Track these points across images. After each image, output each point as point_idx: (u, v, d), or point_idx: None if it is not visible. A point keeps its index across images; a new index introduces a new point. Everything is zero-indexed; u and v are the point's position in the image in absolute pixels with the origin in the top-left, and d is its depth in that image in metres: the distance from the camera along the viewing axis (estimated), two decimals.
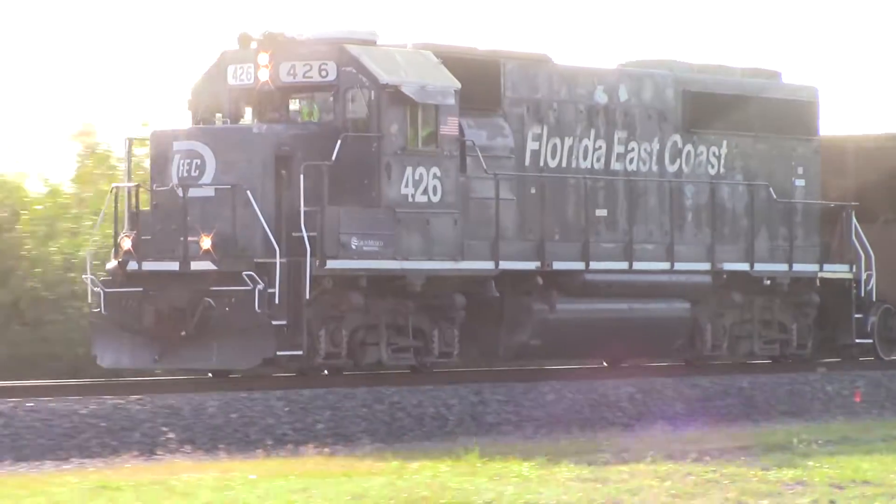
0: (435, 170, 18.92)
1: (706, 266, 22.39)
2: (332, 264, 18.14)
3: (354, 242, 18.42)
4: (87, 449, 16.06)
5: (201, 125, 18.71)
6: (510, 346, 20.18)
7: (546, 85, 20.68)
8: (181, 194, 17.75)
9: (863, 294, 24.18)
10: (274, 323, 17.71)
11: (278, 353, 17.95)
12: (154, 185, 18.69)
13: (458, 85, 19.04)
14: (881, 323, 24.95)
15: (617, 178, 21.56)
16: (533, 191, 20.38)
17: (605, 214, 21.39)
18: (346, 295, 18.44)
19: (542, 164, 20.53)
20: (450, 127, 18.94)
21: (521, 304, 20.05)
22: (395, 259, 18.70)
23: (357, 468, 14.34)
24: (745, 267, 22.93)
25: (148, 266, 18.20)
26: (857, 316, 24.19)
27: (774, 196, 23.49)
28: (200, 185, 18.16)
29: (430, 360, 19.53)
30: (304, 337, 18.07)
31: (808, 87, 25.06)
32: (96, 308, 18.76)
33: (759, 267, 23.08)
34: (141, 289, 18.32)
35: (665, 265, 21.82)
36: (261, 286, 17.58)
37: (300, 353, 18.18)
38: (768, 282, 23.22)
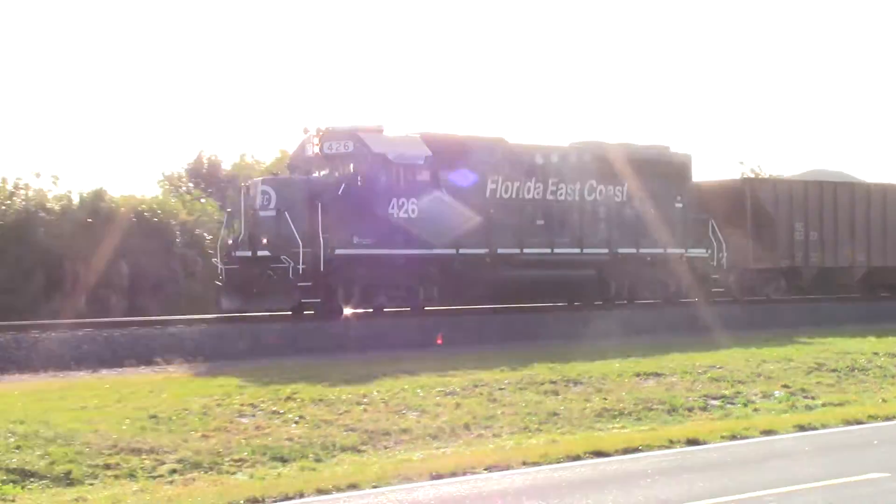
0: (413, 199, 33.19)
1: (605, 251, 38.08)
2: (339, 251, 31.48)
3: (356, 240, 31.94)
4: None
5: (271, 175, 34.49)
6: (474, 295, 35.47)
7: (500, 153, 36.00)
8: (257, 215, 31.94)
9: (715, 264, 40.01)
10: (299, 284, 30.59)
11: (302, 300, 31.47)
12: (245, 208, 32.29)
13: (428, 153, 33.51)
14: (738, 278, 40.99)
15: (550, 204, 37.31)
16: (492, 210, 35.94)
17: (543, 223, 37.01)
18: (353, 267, 32.21)
19: (498, 196, 36.02)
20: (423, 175, 33.50)
21: (478, 272, 35.25)
22: (382, 248, 32.37)
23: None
24: (633, 250, 38.71)
25: (238, 253, 31.75)
26: (714, 276, 40.11)
27: (653, 212, 39.15)
28: (267, 209, 31.71)
29: (416, 304, 33.98)
30: (321, 291, 31.28)
31: (685, 154, 41.12)
32: (219, 275, 32.07)
33: (643, 250, 38.88)
34: (237, 266, 31.53)
35: (577, 250, 37.34)
36: (293, 264, 30.47)
37: (318, 300, 31.36)
38: (649, 258, 39.06)
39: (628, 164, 38.91)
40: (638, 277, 39.23)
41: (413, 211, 33.47)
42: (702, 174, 44.53)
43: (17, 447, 16.33)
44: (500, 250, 35.41)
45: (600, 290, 38.41)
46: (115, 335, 27.89)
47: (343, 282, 32.41)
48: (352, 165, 33.18)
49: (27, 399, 20.04)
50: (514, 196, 36.35)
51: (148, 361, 26.75)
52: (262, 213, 32.11)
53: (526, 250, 36.01)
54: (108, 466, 16.16)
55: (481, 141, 35.92)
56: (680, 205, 40.40)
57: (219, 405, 20.03)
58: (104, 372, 25.29)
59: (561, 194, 37.48)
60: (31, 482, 15.33)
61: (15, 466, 15.62)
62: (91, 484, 15.55)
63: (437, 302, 34.65)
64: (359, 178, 32.84)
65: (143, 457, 16.62)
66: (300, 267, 30.83)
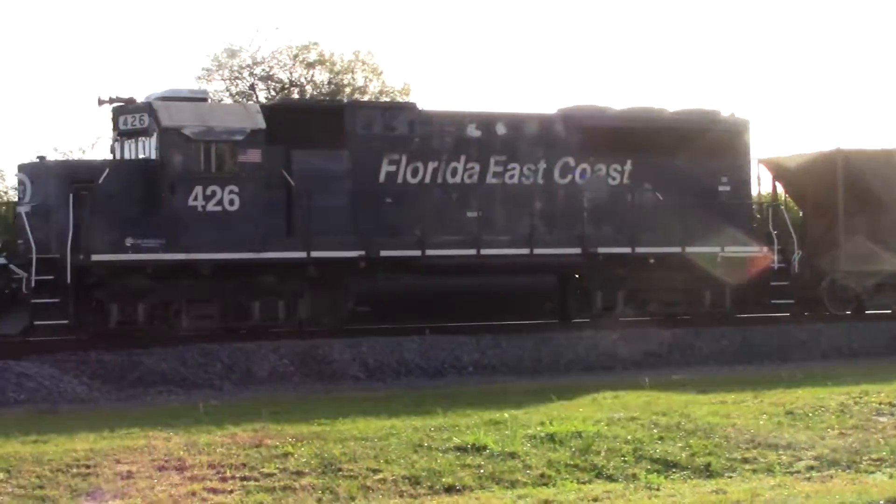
0: (232, 187, 24.49)
1: (577, 250, 27.61)
2: (98, 258, 23.34)
3: (130, 241, 23.63)
4: None
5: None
6: (338, 312, 25.98)
7: (407, 125, 26.60)
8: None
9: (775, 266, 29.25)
10: (33, 301, 22.91)
11: (36, 322, 23.00)
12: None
13: (258, 126, 24.67)
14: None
15: (493, 189, 27.40)
16: (389, 200, 26.58)
17: (478, 215, 27.20)
18: (132, 278, 23.92)
19: (401, 181, 26.61)
20: (250, 155, 24.73)
21: (342, 282, 25.79)
22: (175, 253, 23.83)
23: None
24: (626, 249, 28.01)
25: None
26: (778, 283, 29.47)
27: (675, 197, 28.32)
28: (23, 203, 24.14)
29: (247, 324, 24.94)
30: (70, 309, 23.26)
31: (738, 120, 29.94)
32: None
33: (642, 249, 28.10)
34: None
35: (524, 250, 27.05)
36: (25, 275, 22.95)
37: (65, 322, 23.17)
38: (653, 260, 28.24)
39: (642, 134, 28.53)
40: (643, 285, 28.66)
41: (231, 202, 24.85)
42: (788, 148, 32.34)
43: (660, 438, 16.55)
44: (384, 252, 25.99)
45: (579, 301, 28.21)
46: None
47: (117, 298, 24.23)
48: (144, 144, 24.99)
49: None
50: (428, 180, 26.90)
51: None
52: (19, 209, 24.73)
53: (431, 252, 26.32)
54: (745, 460, 16.07)
55: (368, 108, 26.74)
56: (726, 187, 29.22)
57: (856, 403, 19.17)
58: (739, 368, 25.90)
59: (511, 176, 27.52)
60: (673, 472, 15.46)
61: (658, 457, 15.87)
62: (730, 476, 15.46)
63: (292, 322, 25.87)
64: (148, 160, 24.72)
65: (780, 452, 16.41)
66: (33, 279, 23.18)
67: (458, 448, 15.46)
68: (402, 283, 26.09)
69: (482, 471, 14.81)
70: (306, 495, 13.71)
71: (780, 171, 31.60)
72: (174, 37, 62.68)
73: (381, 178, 26.46)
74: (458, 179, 27.12)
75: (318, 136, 25.77)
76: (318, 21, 64.02)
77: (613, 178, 28.37)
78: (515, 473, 14.90)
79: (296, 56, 43.39)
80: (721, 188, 29.20)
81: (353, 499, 13.79)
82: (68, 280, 23.34)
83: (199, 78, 42.77)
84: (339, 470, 14.48)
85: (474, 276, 26.61)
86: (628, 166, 28.45)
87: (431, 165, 26.87)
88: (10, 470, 13.85)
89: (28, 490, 13.41)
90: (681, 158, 28.79)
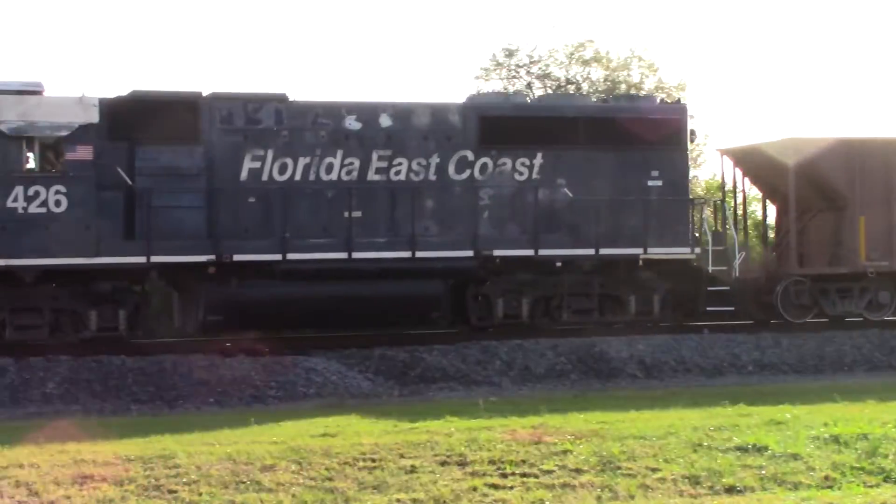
0: (58, 187, 22.45)
1: (469, 253, 24.84)
2: None
3: None
4: None
5: None
6: (191, 321, 23.88)
7: (274, 117, 24.19)
8: None
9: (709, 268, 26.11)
10: None
11: None
12: None
13: (90, 121, 22.58)
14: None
15: (376, 187, 24.76)
16: (252, 199, 24.17)
17: (359, 216, 24.62)
18: None
19: (266, 179, 24.19)
20: (79, 153, 22.69)
21: (191, 290, 23.72)
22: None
23: None
24: (529, 252, 25.12)
25: None
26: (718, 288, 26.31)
27: (593, 195, 25.47)
28: None
29: (82, 336, 22.88)
30: None
31: (675, 107, 26.70)
32: None
33: (547, 251, 25.19)
34: None
35: (406, 253, 24.42)
36: None
37: None
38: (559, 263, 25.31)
39: (555, 124, 25.60)
40: (553, 291, 25.81)
41: (58, 203, 22.79)
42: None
43: None
44: (238, 256, 23.67)
45: (480, 309, 25.59)
46: None
47: None
48: None
49: None
50: (298, 178, 24.45)
51: None
52: None
53: (293, 255, 23.88)
54: None
55: (228, 100, 24.29)
56: (657, 182, 26.04)
57: None
58: None
59: (397, 172, 24.85)
60: None
61: None
62: None
63: (133, 333, 23.70)
64: None
65: None
66: None
67: (739, 448, 15.16)
68: (257, 291, 23.74)
69: (764, 472, 14.50)
70: (586, 493, 13.76)
71: (743, 162, 28.15)
72: (453, 37, 60.76)
73: (243, 175, 24.13)
74: (333, 176, 24.57)
75: (170, 130, 23.58)
76: (593, 18, 61.89)
77: (520, 174, 25.49)
78: (798, 475, 14.53)
79: (571, 54, 41.63)
80: (651, 183, 26.08)
81: (632, 497, 13.72)
82: None
83: (478, 77, 41.25)
84: (618, 468, 14.42)
85: (346, 283, 24.06)
86: (538, 160, 25.55)
87: (303, 161, 24.42)
88: (302, 462, 14.25)
89: (318, 482, 13.75)
90: (603, 150, 25.81)
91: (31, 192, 22.59)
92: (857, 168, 26.76)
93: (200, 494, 13.15)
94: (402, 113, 25.01)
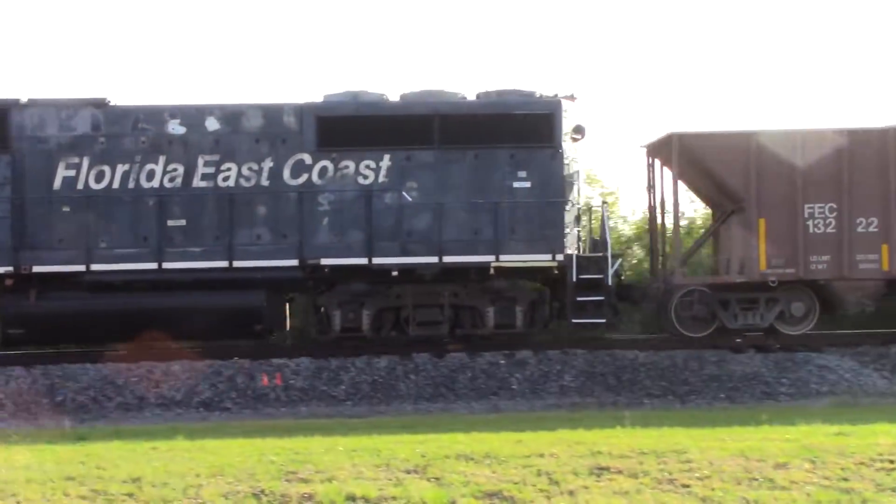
0: None
1: (294, 262, 23.06)
2: None
3: None
4: None
5: None
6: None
7: (90, 122, 23.03)
8: None
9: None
10: None
11: None
12: None
13: None
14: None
15: (202, 194, 23.19)
16: (66, 209, 23.00)
17: (184, 224, 23.18)
18: None
19: (82, 187, 23.00)
20: None
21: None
22: None
23: None
24: (362, 260, 23.17)
25: None
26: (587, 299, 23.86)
27: (410, 199, 23.34)
28: None
29: None
30: None
31: (547, 100, 23.91)
32: None
33: (382, 260, 23.18)
34: None
35: (223, 263, 22.87)
36: None
37: None
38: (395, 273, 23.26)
39: (405, 124, 23.61)
40: (399, 302, 23.84)
41: None
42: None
43: None
44: (37, 268, 22.75)
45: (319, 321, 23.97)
46: None
47: None
48: None
49: None
50: (116, 186, 23.24)
51: None
52: None
53: (98, 266, 22.73)
54: None
55: (41, 106, 23.32)
56: (524, 183, 23.54)
57: None
58: None
59: (226, 178, 23.31)
60: None
61: None
62: None
63: None
64: None
65: None
66: None
67: None
68: (58, 303, 22.60)
69: None
70: None
71: (660, 157, 25.13)
72: None
73: (57, 184, 23.03)
74: (154, 184, 23.16)
75: None
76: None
77: (365, 177, 23.45)
78: None
79: None
80: (517, 184, 23.54)
81: None
82: None
83: None
84: None
85: (157, 294, 22.65)
86: (385, 162, 23.46)
87: (121, 169, 23.15)
88: (815, 461, 13.94)
89: (833, 481, 13.38)
90: (460, 150, 23.49)
91: None
92: (754, 164, 23.45)
93: (713, 490, 12.96)
94: (231, 115, 23.41)
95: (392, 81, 49.26)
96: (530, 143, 23.53)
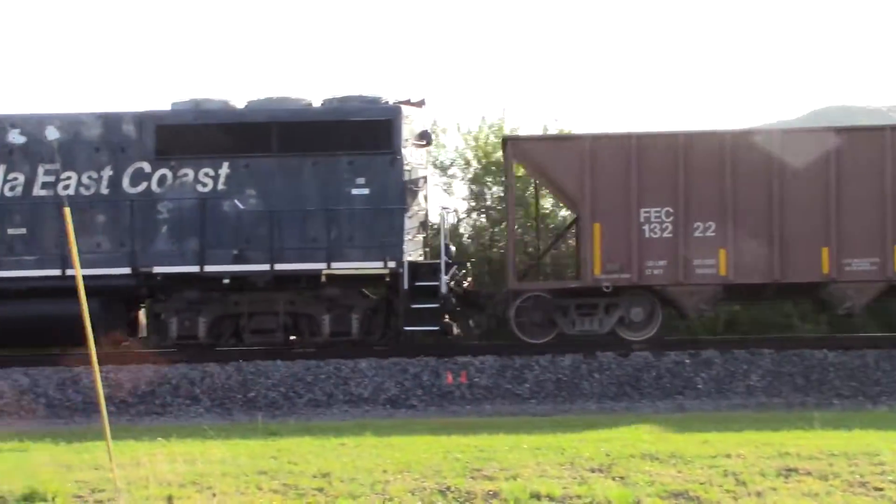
0: None
1: (126, 270, 23.29)
2: None
3: None
4: None
5: None
6: None
7: None
8: None
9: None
10: None
11: None
12: None
13: None
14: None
15: (43, 203, 23.48)
16: None
17: (24, 232, 23.49)
18: None
19: None
20: None
21: None
22: None
23: None
24: (194, 268, 23.34)
25: None
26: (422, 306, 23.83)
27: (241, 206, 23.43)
28: None
29: None
30: None
31: (385, 107, 23.84)
32: None
33: (214, 268, 23.31)
34: None
35: (55, 271, 23.15)
36: None
37: None
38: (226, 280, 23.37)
39: (242, 132, 23.68)
40: (235, 310, 23.88)
41: None
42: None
43: None
44: None
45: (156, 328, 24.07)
46: None
47: None
48: None
49: None
50: None
51: None
52: None
53: None
54: None
55: None
56: (363, 190, 23.51)
57: None
58: None
59: (66, 187, 23.57)
60: None
61: None
62: None
63: None
64: None
65: None
66: None
67: None
68: None
69: None
70: None
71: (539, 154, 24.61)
72: None
73: None
74: None
75: None
76: None
77: (204, 185, 23.58)
78: None
79: None
80: (356, 191, 23.52)
81: None
82: None
83: None
84: None
85: None
86: (224, 170, 23.57)
87: None
88: None
89: None
90: (299, 157, 23.53)
91: None
92: (588, 168, 23.20)
93: None
94: (71, 125, 23.67)
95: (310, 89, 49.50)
96: (369, 149, 23.49)
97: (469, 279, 24.88)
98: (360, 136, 23.51)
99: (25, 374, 22.63)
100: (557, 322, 23.45)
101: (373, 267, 23.22)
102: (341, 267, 23.19)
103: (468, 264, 25.17)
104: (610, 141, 23.28)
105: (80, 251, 21.82)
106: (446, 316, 23.46)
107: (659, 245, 23.09)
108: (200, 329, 23.56)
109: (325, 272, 23.22)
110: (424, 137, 24.27)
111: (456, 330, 24.01)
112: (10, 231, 23.40)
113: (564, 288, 23.62)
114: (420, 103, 24.45)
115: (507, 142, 23.72)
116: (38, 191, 23.53)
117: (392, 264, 23.13)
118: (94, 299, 22.42)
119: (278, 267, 23.23)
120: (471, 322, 24.33)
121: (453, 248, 24.62)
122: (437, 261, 23.40)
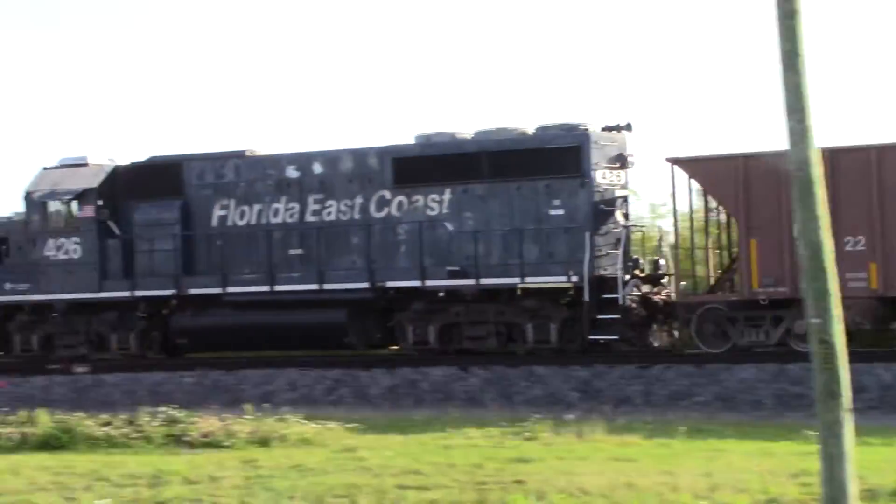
0: (75, 238, 29.11)
1: (366, 284, 27.19)
2: None
3: (8, 286, 29.47)
4: None
5: None
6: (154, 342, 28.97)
7: (234, 171, 28.58)
8: None
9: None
10: None
11: None
12: None
13: (89, 185, 28.82)
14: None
15: (311, 228, 27.95)
16: (220, 242, 28.63)
17: (300, 253, 28.11)
18: (14, 314, 29.65)
19: (230, 224, 28.59)
20: (85, 212, 28.94)
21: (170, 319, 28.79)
22: (39, 293, 29.11)
23: None
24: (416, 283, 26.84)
25: None
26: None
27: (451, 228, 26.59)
28: None
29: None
30: None
31: (576, 133, 26.14)
32: None
33: (434, 283, 26.65)
34: None
35: (314, 286, 27.43)
36: None
37: None
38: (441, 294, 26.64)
39: (458, 162, 27.09)
40: (457, 319, 26.94)
41: (74, 251, 29.73)
42: None
43: None
44: (192, 290, 28.79)
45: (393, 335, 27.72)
46: None
47: (10, 330, 30.45)
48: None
49: None
50: (253, 222, 28.79)
51: None
52: None
53: (231, 289, 28.44)
54: None
55: (201, 160, 29.30)
56: (559, 210, 26.15)
57: None
58: None
59: (329, 213, 28.19)
60: None
61: None
62: None
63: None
64: (22, 221, 30.46)
65: None
66: None
67: None
68: (206, 318, 28.47)
69: None
70: None
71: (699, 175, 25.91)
72: None
73: (214, 222, 28.89)
74: (279, 220, 28.34)
75: (159, 189, 29.22)
76: None
77: (432, 209, 27.08)
78: None
79: None
80: (553, 212, 26.03)
81: None
82: None
83: None
84: None
85: (271, 311, 27.88)
86: (447, 195, 26.93)
87: (256, 208, 28.54)
88: None
89: None
90: (504, 182, 26.43)
91: (58, 243, 29.59)
92: (742, 185, 24.09)
93: None
94: (330, 160, 27.96)
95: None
96: (562, 174, 25.78)
97: (666, 291, 26.18)
98: (555, 161, 25.85)
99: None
100: (729, 333, 24.55)
101: (558, 281, 25.50)
102: (534, 281, 25.66)
103: (665, 277, 26.44)
104: (761, 159, 23.96)
105: (338, 268, 26.44)
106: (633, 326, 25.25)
107: None
108: (431, 336, 26.97)
109: (519, 286, 25.81)
110: (620, 161, 26.01)
111: (657, 341, 25.78)
112: (291, 252, 28.01)
113: (737, 300, 24.52)
114: (625, 127, 26.18)
115: (672, 162, 25.01)
116: (308, 217, 27.98)
117: (575, 278, 25.30)
118: (342, 310, 26.90)
119: (483, 282, 26.12)
120: (675, 332, 25.93)
121: (662, 262, 26.23)
122: (616, 275, 25.18)
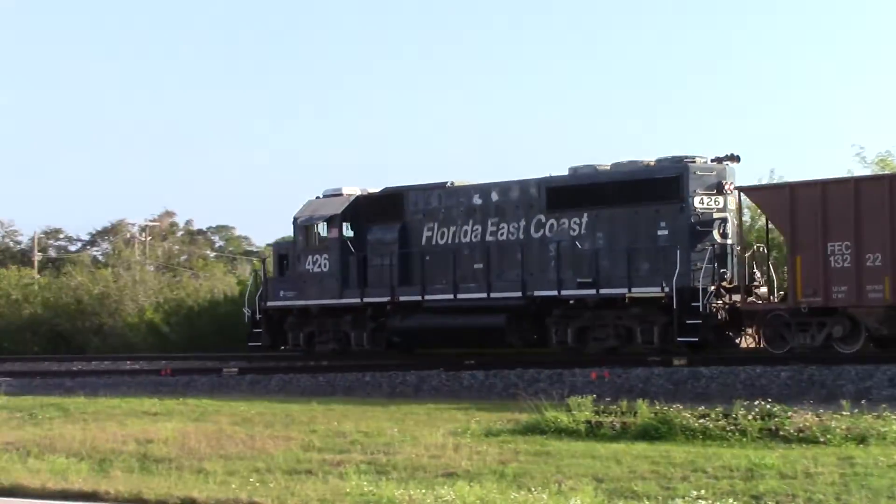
0: (325, 254, 35.87)
1: (518, 294, 32.48)
2: (269, 304, 36.94)
3: (282, 293, 36.89)
4: None
5: None
6: (380, 340, 35.17)
7: (438, 199, 34.55)
8: None
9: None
10: (253, 330, 37.25)
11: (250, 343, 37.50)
12: None
13: (335, 212, 35.48)
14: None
15: (490, 245, 33.48)
16: (428, 258, 34.60)
17: (481, 267, 33.68)
18: (285, 315, 36.99)
19: (434, 243, 34.53)
20: (332, 233, 35.59)
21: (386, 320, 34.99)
22: (302, 300, 36.34)
23: None
24: (552, 292, 31.82)
25: None
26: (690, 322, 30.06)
27: (614, 245, 31.19)
28: None
29: (351, 349, 35.54)
30: (265, 335, 36.93)
31: (676, 165, 30.54)
32: None
33: (569, 292, 31.65)
34: None
35: (482, 294, 33.09)
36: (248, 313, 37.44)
37: (265, 343, 37.09)
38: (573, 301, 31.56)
39: (590, 191, 32.13)
40: (588, 323, 31.73)
41: (324, 265, 36.99)
42: None
43: None
44: (401, 298, 35.21)
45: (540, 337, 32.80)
46: None
47: (282, 327, 37.99)
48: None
49: None
50: (451, 241, 34.90)
51: None
52: None
53: (429, 297, 34.62)
54: None
55: (416, 190, 35.57)
56: (664, 231, 30.61)
57: None
58: None
59: (502, 234, 33.87)
60: None
61: None
62: None
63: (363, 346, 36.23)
64: (294, 241, 38.03)
65: None
66: (247, 315, 38.73)
67: None
68: (410, 321, 34.69)
69: None
70: None
71: (766, 202, 29.45)
72: None
73: (423, 241, 35.11)
74: (467, 239, 34.17)
75: (385, 215, 35.87)
76: None
77: (573, 230, 32.03)
78: None
79: None
80: (660, 232, 30.39)
81: None
82: (257, 317, 38.10)
83: None
84: None
85: (452, 316, 33.75)
86: (584, 219, 31.81)
87: (452, 230, 34.48)
88: None
89: None
90: (624, 207, 31.02)
91: (314, 259, 36.81)
92: (788, 209, 27.52)
93: None
94: (503, 190, 33.48)
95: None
96: (666, 200, 30.05)
97: (741, 298, 29.54)
98: (663, 189, 30.16)
99: None
100: (786, 336, 27.98)
101: (653, 292, 29.70)
102: (638, 291, 30.02)
103: (762, 288, 29.84)
104: (804, 188, 27.37)
105: (502, 280, 32.16)
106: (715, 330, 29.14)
107: (841, 273, 26.73)
108: (569, 337, 31.77)
109: (627, 295, 30.23)
110: (717, 188, 29.85)
111: (744, 342, 29.50)
112: (475, 266, 33.66)
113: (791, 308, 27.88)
114: (732, 158, 30.02)
115: (740, 190, 28.72)
116: (487, 237, 33.52)
117: (667, 289, 29.46)
118: (502, 315, 32.42)
119: (602, 291, 30.75)
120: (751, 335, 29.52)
121: (757, 274, 29.83)
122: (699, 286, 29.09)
